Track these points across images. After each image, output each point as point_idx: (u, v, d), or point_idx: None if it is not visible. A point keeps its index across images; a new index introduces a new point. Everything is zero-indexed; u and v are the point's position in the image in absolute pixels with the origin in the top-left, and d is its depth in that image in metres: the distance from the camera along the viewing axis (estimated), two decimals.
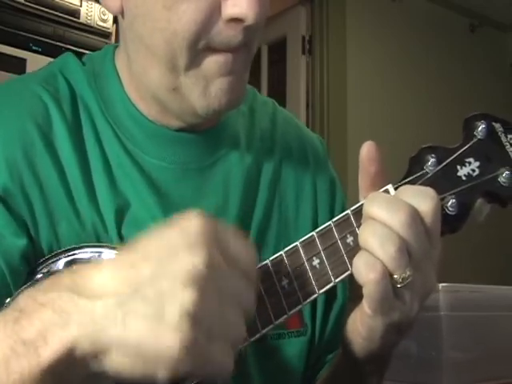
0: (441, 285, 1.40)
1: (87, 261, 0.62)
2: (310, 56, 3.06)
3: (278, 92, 3.05)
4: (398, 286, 0.52)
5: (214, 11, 0.58)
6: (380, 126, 3.10)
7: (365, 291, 0.53)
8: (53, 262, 0.62)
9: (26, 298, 0.46)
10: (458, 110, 3.47)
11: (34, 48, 1.77)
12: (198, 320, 0.42)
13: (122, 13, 0.63)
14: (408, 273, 0.52)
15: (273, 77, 3.12)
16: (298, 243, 0.56)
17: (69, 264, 0.62)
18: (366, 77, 3.13)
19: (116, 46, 0.72)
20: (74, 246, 0.63)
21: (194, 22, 0.57)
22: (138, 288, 0.43)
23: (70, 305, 0.43)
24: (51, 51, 1.78)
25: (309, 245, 0.56)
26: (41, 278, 0.60)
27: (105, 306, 0.43)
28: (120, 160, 0.66)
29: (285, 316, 0.55)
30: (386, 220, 0.52)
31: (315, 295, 0.55)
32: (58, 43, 1.82)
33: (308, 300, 0.55)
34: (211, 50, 0.60)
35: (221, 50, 0.60)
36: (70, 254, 0.62)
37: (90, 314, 0.43)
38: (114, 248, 0.62)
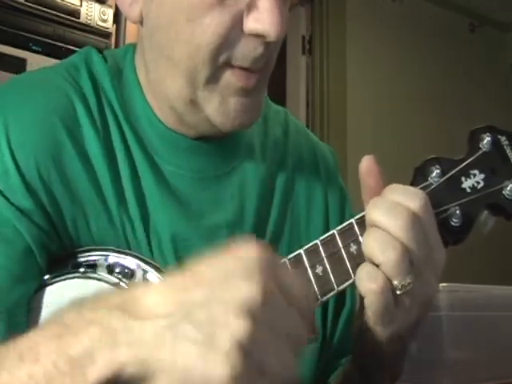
0: (441, 285, 1.40)
1: (93, 263, 0.62)
2: (310, 56, 3.06)
3: (278, 92, 3.05)
4: (398, 292, 0.52)
5: (236, 24, 0.58)
6: (380, 126, 3.10)
7: (366, 302, 0.53)
8: (62, 267, 0.62)
9: (70, 314, 0.44)
10: (458, 110, 3.47)
11: (33, 48, 1.77)
12: (250, 351, 0.40)
13: (141, 21, 0.63)
14: (408, 280, 0.51)
15: (273, 77, 3.11)
16: (301, 250, 0.56)
17: (75, 267, 0.62)
18: (366, 76, 3.13)
19: (135, 46, 0.71)
20: (79, 249, 0.63)
21: (218, 35, 0.57)
22: (189, 312, 0.41)
23: (118, 324, 0.42)
24: (51, 51, 1.78)
25: (312, 252, 0.56)
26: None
27: (154, 327, 0.41)
28: (144, 166, 0.66)
29: None
30: (387, 225, 0.52)
31: (317, 302, 0.55)
32: (57, 43, 1.82)
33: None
34: (231, 66, 0.59)
35: (241, 68, 0.60)
36: (76, 256, 0.63)
37: (139, 334, 0.41)
38: (119, 252, 0.63)
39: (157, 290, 0.44)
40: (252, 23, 0.57)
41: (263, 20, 0.57)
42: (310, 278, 0.55)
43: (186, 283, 0.43)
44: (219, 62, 0.59)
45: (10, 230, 0.58)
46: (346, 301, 0.75)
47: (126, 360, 0.41)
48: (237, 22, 0.57)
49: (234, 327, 0.40)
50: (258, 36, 0.58)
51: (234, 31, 0.58)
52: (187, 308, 0.41)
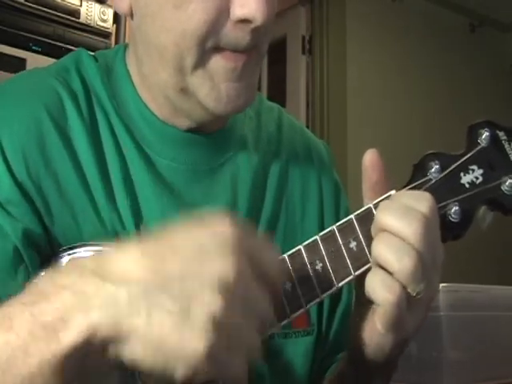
0: (441, 285, 1.40)
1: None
2: (310, 56, 3.06)
3: (278, 92, 3.05)
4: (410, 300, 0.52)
5: (223, 12, 0.58)
6: (380, 126, 3.10)
7: (380, 311, 0.52)
8: (57, 260, 0.62)
9: (44, 281, 0.45)
10: (458, 109, 3.47)
11: (33, 48, 1.77)
12: (222, 327, 0.42)
13: (131, 14, 0.64)
14: (422, 287, 0.51)
15: (273, 77, 3.12)
16: (301, 246, 0.56)
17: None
18: (366, 76, 3.13)
19: (126, 46, 0.72)
20: (75, 244, 0.62)
21: (203, 21, 0.58)
22: (165, 282, 0.42)
23: (92, 288, 0.42)
24: (51, 51, 1.77)
25: (312, 248, 0.55)
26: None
27: (129, 292, 0.42)
28: (135, 159, 0.66)
29: (286, 319, 0.55)
30: (400, 230, 0.51)
31: (318, 299, 0.55)
32: (57, 43, 1.82)
33: (310, 304, 0.55)
34: (219, 49, 0.60)
35: (229, 50, 0.60)
36: (71, 252, 0.62)
37: (113, 298, 0.42)
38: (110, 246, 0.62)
39: (131, 256, 0.44)
40: (238, 9, 0.58)
41: (249, 5, 0.57)
42: (309, 274, 0.55)
43: (161, 252, 0.44)
44: (206, 47, 0.59)
45: None
46: (342, 296, 0.75)
47: (99, 323, 0.42)
48: (223, 10, 0.58)
49: (208, 303, 0.41)
50: (244, 22, 0.58)
51: (221, 18, 0.58)
52: (162, 278, 0.42)
